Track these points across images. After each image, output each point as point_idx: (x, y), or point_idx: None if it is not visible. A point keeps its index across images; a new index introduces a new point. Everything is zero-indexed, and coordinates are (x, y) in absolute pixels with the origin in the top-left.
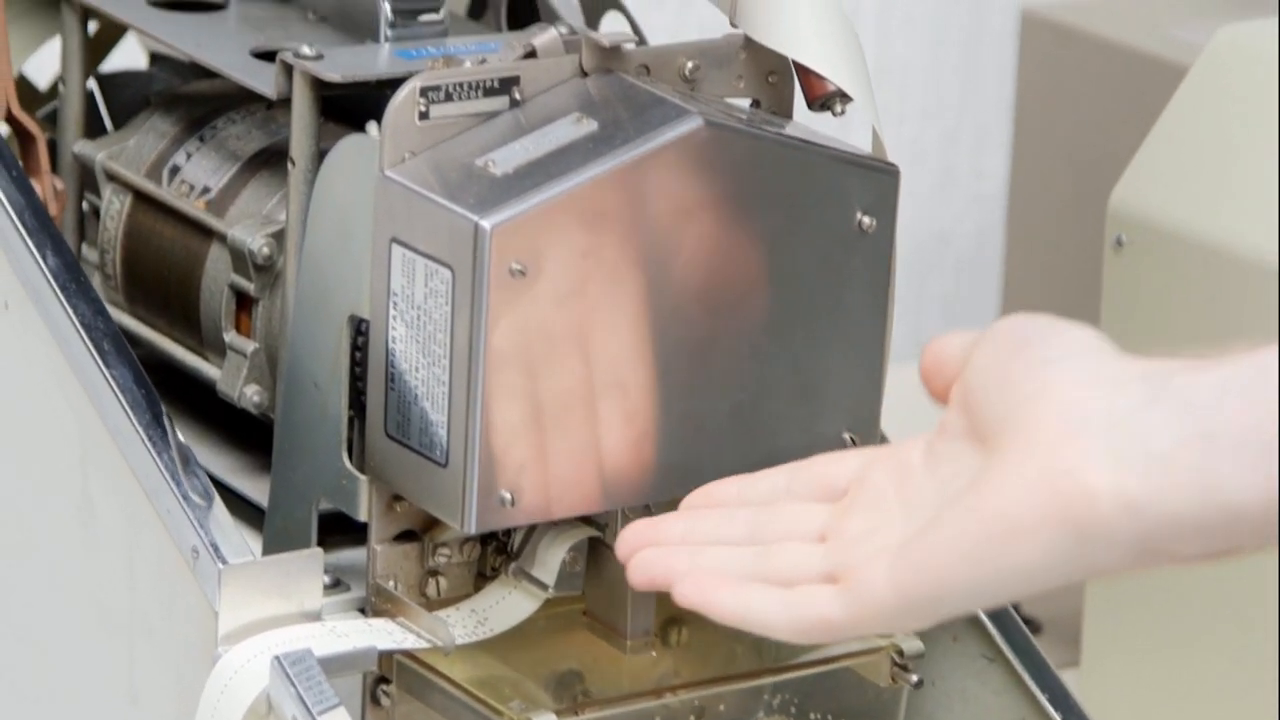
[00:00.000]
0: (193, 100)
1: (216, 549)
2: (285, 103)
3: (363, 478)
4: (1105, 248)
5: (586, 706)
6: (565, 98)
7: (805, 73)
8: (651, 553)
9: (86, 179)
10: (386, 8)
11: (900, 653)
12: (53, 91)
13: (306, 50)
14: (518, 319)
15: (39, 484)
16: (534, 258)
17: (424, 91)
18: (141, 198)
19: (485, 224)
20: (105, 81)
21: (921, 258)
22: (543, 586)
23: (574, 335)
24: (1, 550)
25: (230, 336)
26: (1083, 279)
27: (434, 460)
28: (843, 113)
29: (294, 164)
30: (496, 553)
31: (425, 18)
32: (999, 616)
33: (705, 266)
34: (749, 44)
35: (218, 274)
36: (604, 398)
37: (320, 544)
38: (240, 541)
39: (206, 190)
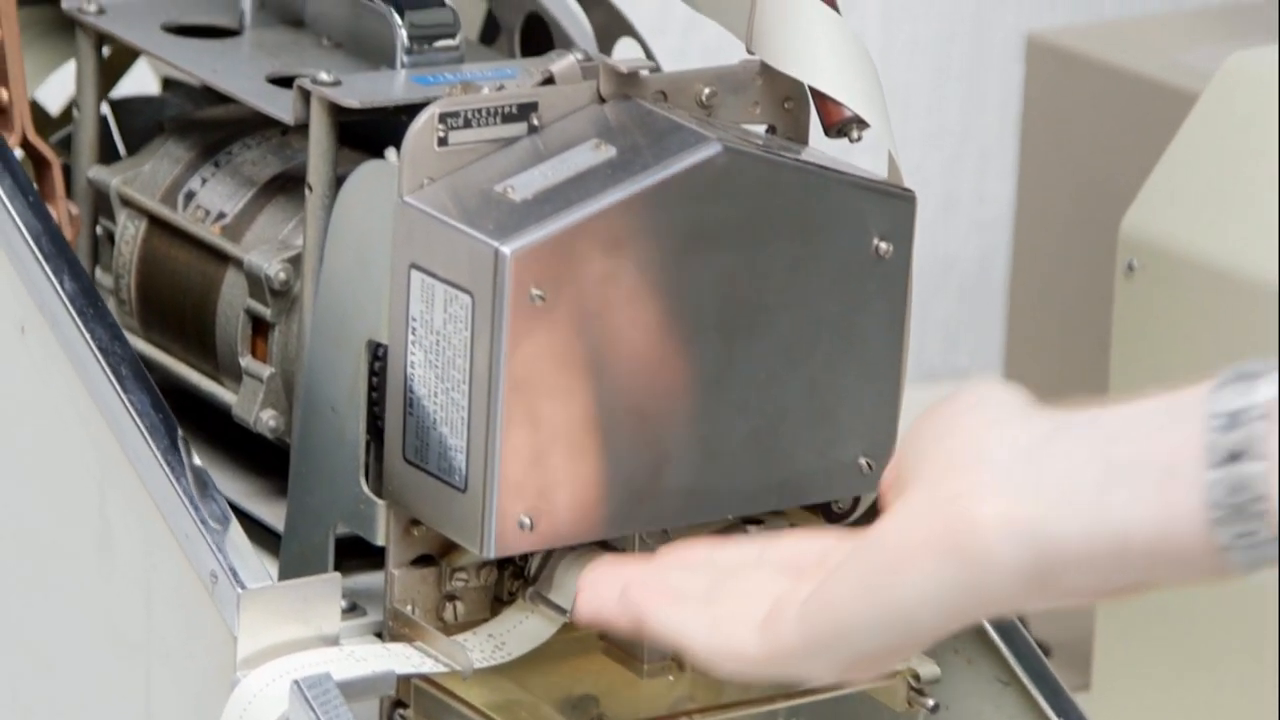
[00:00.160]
0: (207, 126)
1: (235, 574)
2: (300, 128)
3: (380, 502)
4: (1116, 273)
5: None
6: (583, 124)
7: (822, 99)
8: (604, 572)
9: (101, 204)
10: (403, 34)
11: (916, 677)
12: (63, 117)
13: (324, 76)
14: (537, 344)
15: (56, 508)
16: (553, 283)
17: (443, 118)
18: (157, 223)
19: (505, 250)
20: (118, 107)
21: (924, 283)
22: (560, 611)
23: (593, 360)
24: (19, 575)
25: (246, 361)
26: (1088, 304)
27: (453, 485)
28: (859, 139)
29: (311, 189)
30: (513, 577)
31: (441, 43)
32: (1013, 640)
33: (723, 291)
34: (765, 70)
35: (233, 299)
36: (621, 422)
37: (335, 568)
38: (259, 566)
39: (222, 215)
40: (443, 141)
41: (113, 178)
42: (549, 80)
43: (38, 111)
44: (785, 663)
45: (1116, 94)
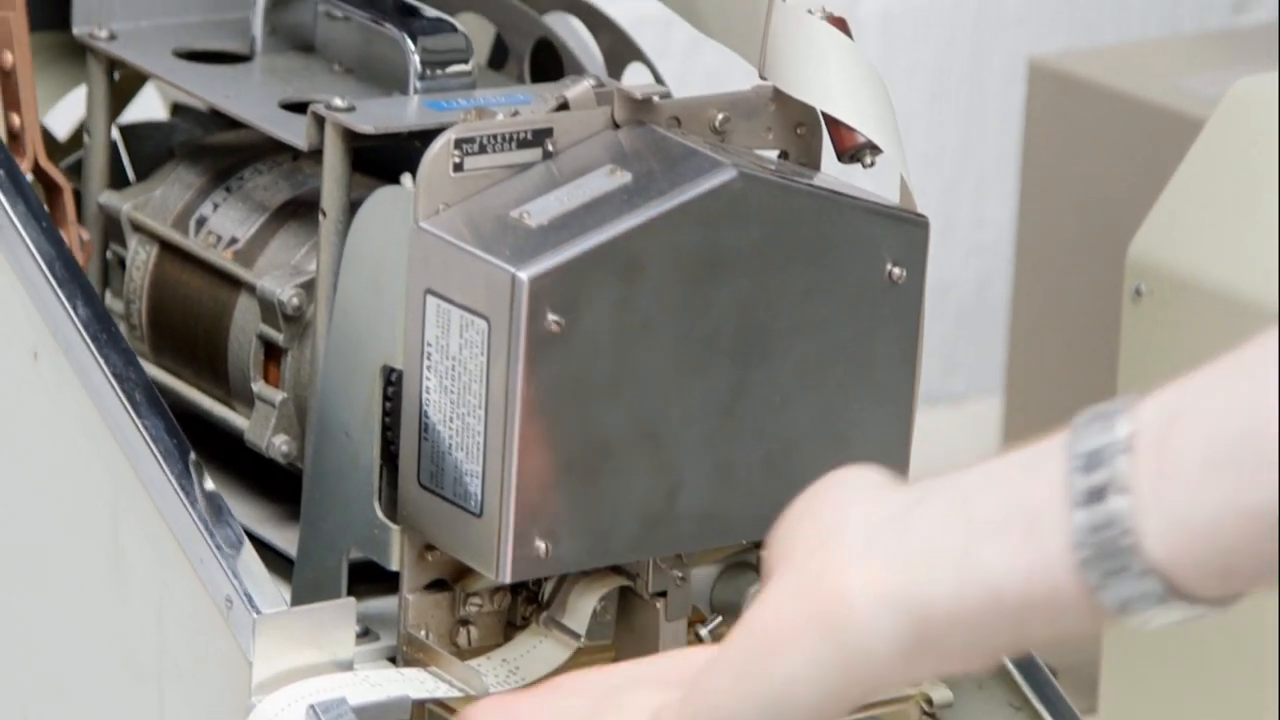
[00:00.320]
0: (218, 151)
1: (250, 599)
2: (312, 154)
3: (395, 527)
4: (1124, 298)
5: None
6: (598, 149)
7: (835, 125)
8: (492, 703)
9: (111, 230)
10: (416, 60)
11: (929, 701)
12: (70, 142)
13: (338, 102)
14: (553, 369)
15: (70, 534)
16: (570, 308)
17: (459, 143)
18: (168, 248)
19: (522, 275)
20: (128, 132)
21: None
22: (574, 635)
23: (608, 385)
24: (33, 599)
25: (259, 386)
26: (1090, 329)
27: (468, 510)
28: (872, 164)
29: (325, 215)
30: (527, 602)
31: (454, 69)
32: (1025, 665)
33: (737, 316)
34: (778, 96)
35: (246, 324)
36: (636, 447)
37: (348, 593)
38: (274, 591)
39: (234, 241)
40: (458, 167)
41: (124, 203)
42: (564, 106)
43: (45, 137)
44: None
45: (1118, 119)
